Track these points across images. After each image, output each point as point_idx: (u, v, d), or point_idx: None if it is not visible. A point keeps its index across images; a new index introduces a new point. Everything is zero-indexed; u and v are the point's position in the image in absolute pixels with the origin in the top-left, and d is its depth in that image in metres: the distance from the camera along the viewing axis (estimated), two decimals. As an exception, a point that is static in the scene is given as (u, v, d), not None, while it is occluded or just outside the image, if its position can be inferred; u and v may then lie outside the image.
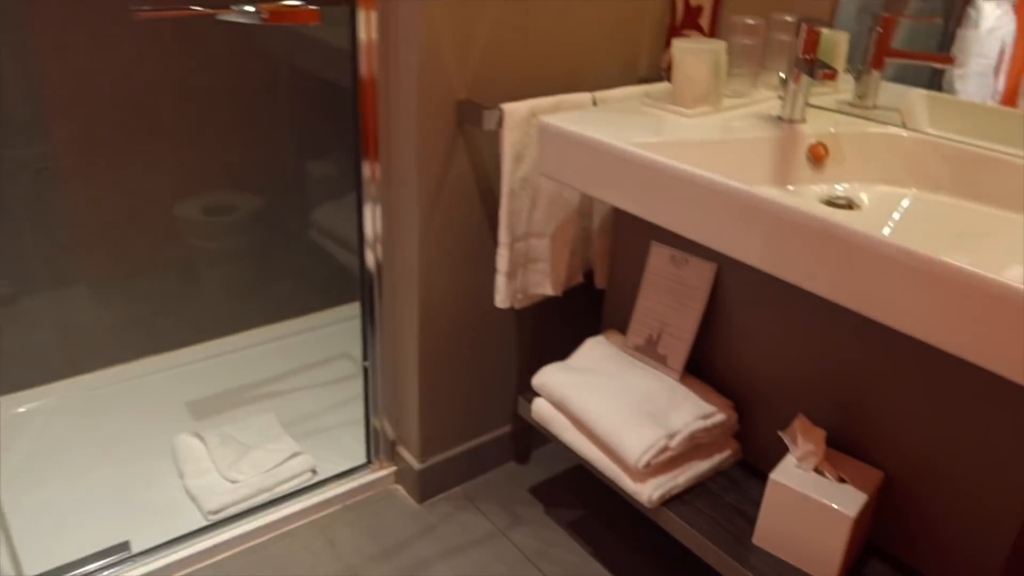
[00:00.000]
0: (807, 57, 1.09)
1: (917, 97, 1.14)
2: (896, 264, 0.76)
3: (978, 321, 0.71)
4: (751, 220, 0.88)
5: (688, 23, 1.38)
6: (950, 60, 1.16)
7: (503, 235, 1.23)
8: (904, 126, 1.12)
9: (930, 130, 1.09)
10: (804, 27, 1.08)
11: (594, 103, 1.25)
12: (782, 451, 1.06)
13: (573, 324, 1.54)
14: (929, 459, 0.97)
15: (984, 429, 0.91)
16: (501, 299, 1.26)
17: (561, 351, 1.50)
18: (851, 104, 1.21)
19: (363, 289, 1.36)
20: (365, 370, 1.43)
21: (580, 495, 1.49)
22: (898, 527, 1.03)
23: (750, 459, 1.20)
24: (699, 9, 1.36)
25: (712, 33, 1.35)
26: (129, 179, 1.73)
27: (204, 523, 1.35)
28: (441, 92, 1.18)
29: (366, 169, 1.27)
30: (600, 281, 1.41)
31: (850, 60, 1.21)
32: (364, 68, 1.19)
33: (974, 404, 0.92)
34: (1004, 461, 0.90)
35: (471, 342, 1.40)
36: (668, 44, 1.40)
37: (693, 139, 1.05)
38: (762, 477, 1.17)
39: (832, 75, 1.04)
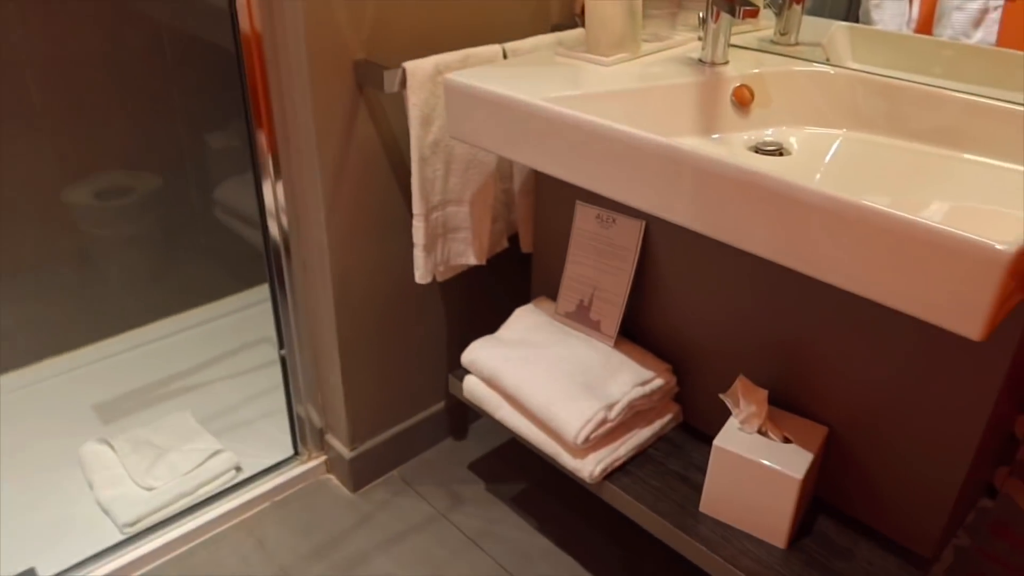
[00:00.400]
0: (726, -7, 1.01)
1: (838, 30, 1.08)
2: (819, 211, 0.70)
3: (904, 266, 0.66)
4: (672, 175, 0.81)
5: (600, -38, 1.28)
6: (871, -11, 1.11)
7: (417, 206, 1.14)
8: (828, 62, 1.06)
9: (853, 64, 1.04)
10: (721, -40, 1.00)
11: (504, 56, 1.15)
12: (724, 411, 1.01)
13: (503, 292, 1.47)
14: (873, 412, 0.94)
15: (927, 380, 0.88)
16: (421, 274, 1.18)
17: (493, 321, 1.43)
18: (773, 42, 1.14)
19: (270, 272, 1.25)
20: (283, 359, 1.33)
21: (522, 468, 1.44)
22: (844, 482, 1.00)
23: (692, 421, 1.16)
24: (610, -54, 1.26)
25: (625, -28, 1.26)
26: (3, 168, 1.57)
27: (120, 537, 1.24)
28: (334, 51, 1.07)
29: (261, 140, 1.15)
30: (525, 245, 1.34)
31: (770, -6, 1.15)
32: (246, 24, 1.07)
33: (917, 354, 0.88)
34: (947, 411, 0.88)
35: (394, 319, 1.32)
36: (580, -14, 1.31)
37: (610, 90, 0.97)
38: (705, 439, 1.13)
39: (754, 12, 0.97)
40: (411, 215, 1.18)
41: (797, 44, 1.13)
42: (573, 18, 1.33)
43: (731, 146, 1.01)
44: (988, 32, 1.00)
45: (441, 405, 1.47)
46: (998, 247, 0.61)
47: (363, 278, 1.24)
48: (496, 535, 1.30)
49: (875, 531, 0.98)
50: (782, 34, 1.14)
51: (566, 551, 1.27)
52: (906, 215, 0.65)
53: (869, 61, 1.04)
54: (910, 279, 0.67)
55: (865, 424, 0.95)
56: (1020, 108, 0.89)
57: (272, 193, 1.19)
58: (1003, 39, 0.98)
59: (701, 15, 1.19)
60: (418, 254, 1.16)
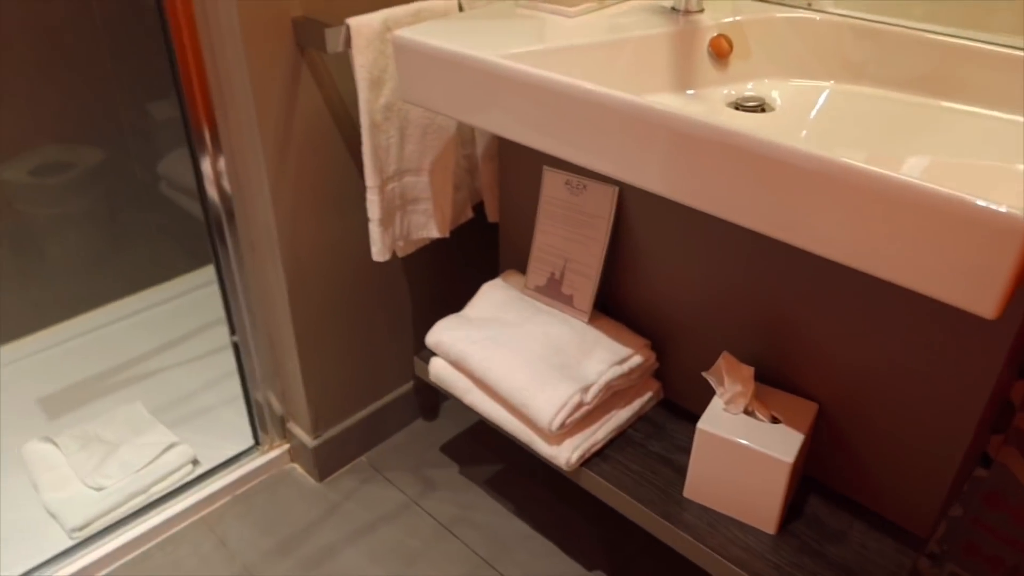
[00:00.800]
0: (700, -67, 0.92)
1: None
2: (809, 176, 0.62)
3: (906, 237, 0.59)
4: (644, 137, 0.72)
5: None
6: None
7: (370, 177, 1.04)
8: (810, 6, 0.98)
9: (835, 9, 0.95)
10: None
11: (460, 8, 1.05)
12: (708, 386, 0.95)
13: (470, 265, 1.38)
14: (866, 387, 0.88)
15: (924, 354, 0.82)
16: (378, 251, 1.09)
17: (461, 296, 1.36)
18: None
19: (215, 255, 1.16)
20: (235, 345, 1.24)
21: (497, 448, 1.37)
22: (836, 460, 0.94)
23: (673, 398, 1.09)
24: None
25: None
26: (-76, 145, 1.45)
27: (69, 543, 1.16)
28: (269, 8, 0.96)
29: (196, 109, 1.05)
30: (492, 214, 1.25)
31: (747, -67, 1.05)
32: (169, -18, 0.96)
33: (914, 326, 0.82)
34: (946, 386, 0.81)
35: (354, 299, 1.23)
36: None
37: (576, 44, 0.88)
38: (688, 417, 1.06)
39: (732, -48, 0.88)
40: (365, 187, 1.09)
41: (776, -12, 1.04)
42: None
43: (709, 102, 0.92)
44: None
45: (409, 385, 1.39)
46: (1016, 214, 0.54)
47: (317, 257, 1.15)
48: (471, 521, 1.24)
49: (869, 510, 0.93)
50: (760, -23, 1.05)
51: (545, 535, 1.21)
52: (910, 179, 0.58)
53: (850, 6, 0.95)
54: (913, 251, 0.60)
55: (858, 400, 0.89)
56: (1015, 52, 0.81)
57: (212, 168, 1.09)
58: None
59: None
60: (374, 229, 1.07)
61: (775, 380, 0.96)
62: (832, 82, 0.92)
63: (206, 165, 1.09)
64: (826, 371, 0.91)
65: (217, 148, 1.08)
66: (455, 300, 1.38)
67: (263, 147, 1.03)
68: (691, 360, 1.05)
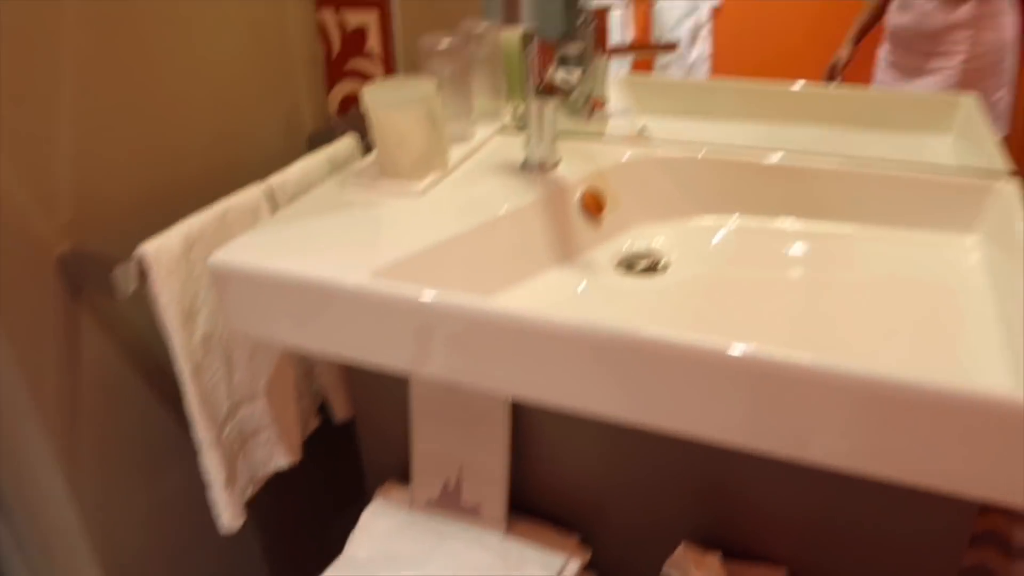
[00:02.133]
0: (546, 83, 0.82)
1: (616, 86, 0.98)
2: (777, 381, 0.55)
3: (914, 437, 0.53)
4: (515, 347, 0.61)
5: (352, 51, 1.04)
6: (673, 47, 1.01)
7: (204, 430, 0.81)
8: (644, 130, 0.93)
9: (660, 140, 0.91)
10: (535, 40, 0.81)
11: (273, 200, 0.86)
12: (642, 553, 0.83)
13: (327, 480, 1.16)
14: (829, 538, 0.81)
15: (889, 499, 0.76)
16: (229, 518, 0.84)
17: (328, 521, 1.13)
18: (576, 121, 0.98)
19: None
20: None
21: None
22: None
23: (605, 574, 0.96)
24: (361, 32, 1.02)
25: (387, 58, 1.03)
26: None
27: None
28: (21, 245, 0.71)
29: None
30: (340, 412, 1.04)
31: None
32: None
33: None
34: (916, 530, 0.76)
35: (202, 566, 0.96)
36: (331, 81, 1.05)
37: (445, 238, 0.73)
38: (635, 605, 0.93)
39: (601, 104, 0.79)
40: (185, 437, 0.85)
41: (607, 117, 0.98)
42: (328, 120, 1.07)
43: (596, 270, 0.82)
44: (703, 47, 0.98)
45: (275, 633, 1.13)
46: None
47: (138, 533, 0.88)
48: None
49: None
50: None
51: None
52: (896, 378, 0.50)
53: (660, 109, 0.94)
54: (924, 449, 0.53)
55: (824, 554, 0.82)
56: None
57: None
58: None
59: (519, 110, 1.00)
60: (219, 494, 0.83)
61: (725, 549, 0.86)
62: (737, 215, 0.86)
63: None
64: (783, 530, 0.83)
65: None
66: (321, 529, 1.14)
67: (44, 425, 0.76)
68: (621, 536, 0.92)
